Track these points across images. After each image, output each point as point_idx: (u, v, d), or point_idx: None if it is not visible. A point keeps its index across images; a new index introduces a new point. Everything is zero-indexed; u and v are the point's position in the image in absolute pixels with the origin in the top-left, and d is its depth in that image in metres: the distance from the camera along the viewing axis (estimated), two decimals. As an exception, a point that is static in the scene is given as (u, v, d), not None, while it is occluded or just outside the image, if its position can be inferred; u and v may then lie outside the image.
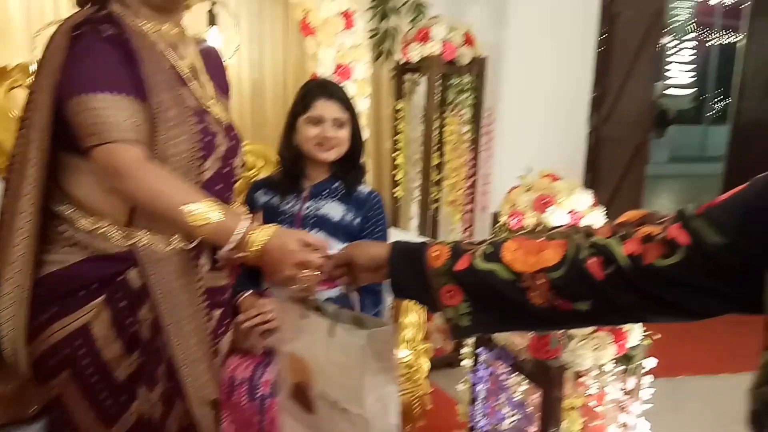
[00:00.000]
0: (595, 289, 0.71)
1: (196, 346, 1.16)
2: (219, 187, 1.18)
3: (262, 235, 1.02)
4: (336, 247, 1.61)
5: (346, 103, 1.63)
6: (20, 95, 1.76)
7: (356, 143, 1.66)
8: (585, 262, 0.71)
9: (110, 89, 1.02)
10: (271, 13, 2.69)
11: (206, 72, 1.23)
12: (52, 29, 1.09)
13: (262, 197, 1.70)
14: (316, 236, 1.14)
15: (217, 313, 1.26)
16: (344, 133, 1.62)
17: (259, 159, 2.08)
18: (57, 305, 1.12)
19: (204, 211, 1.02)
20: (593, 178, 3.48)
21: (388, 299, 1.82)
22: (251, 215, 1.24)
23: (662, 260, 0.67)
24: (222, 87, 1.28)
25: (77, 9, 1.12)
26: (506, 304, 0.78)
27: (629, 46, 3.38)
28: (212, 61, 1.28)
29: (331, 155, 1.61)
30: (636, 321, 0.87)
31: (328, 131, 1.58)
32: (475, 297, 0.80)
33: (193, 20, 2.33)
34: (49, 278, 1.11)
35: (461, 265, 0.80)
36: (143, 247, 1.11)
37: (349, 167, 1.66)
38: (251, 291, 1.63)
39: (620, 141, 3.52)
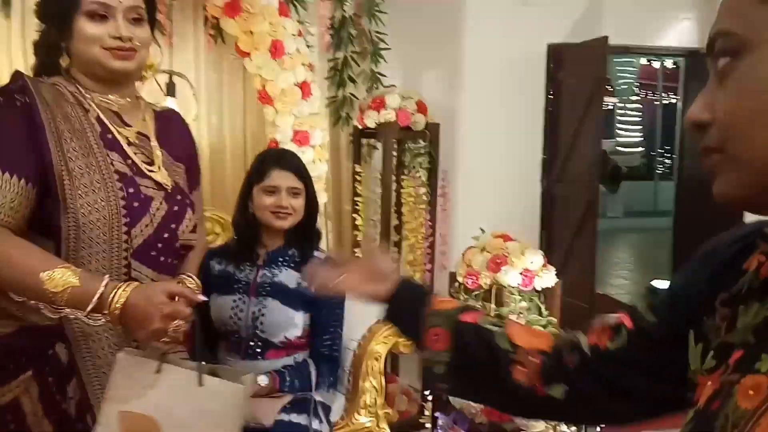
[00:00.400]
0: (568, 377, 0.75)
1: None
2: (154, 253, 1.19)
3: (123, 292, 1.04)
4: (294, 315, 1.61)
5: (300, 173, 1.67)
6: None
7: (311, 211, 1.70)
8: (563, 352, 0.75)
9: (2, 168, 1.07)
10: (230, 83, 2.76)
11: (157, 138, 1.26)
12: None
13: (216, 266, 1.70)
14: (179, 287, 1.15)
15: None
16: (299, 202, 1.65)
17: (216, 225, 2.09)
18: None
19: (62, 276, 1.02)
20: (548, 235, 3.57)
21: (346, 365, 1.82)
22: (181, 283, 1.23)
23: (612, 343, 0.72)
24: (177, 153, 1.30)
25: None
26: (488, 369, 0.78)
27: (575, 108, 3.56)
28: (171, 128, 1.32)
29: (286, 223, 1.63)
30: (603, 419, 0.89)
31: (283, 200, 1.62)
32: (461, 352, 0.80)
33: (152, 90, 2.39)
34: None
35: (469, 317, 0.82)
36: (73, 321, 1.11)
37: (304, 234, 1.69)
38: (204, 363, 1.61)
39: (572, 199, 3.64)
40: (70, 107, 1.16)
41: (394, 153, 2.79)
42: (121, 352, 1.10)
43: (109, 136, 1.18)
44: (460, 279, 2.30)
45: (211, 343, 1.68)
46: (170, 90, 2.43)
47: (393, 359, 2.90)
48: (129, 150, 1.20)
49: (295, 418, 1.54)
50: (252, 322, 1.61)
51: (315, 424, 1.55)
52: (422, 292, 0.89)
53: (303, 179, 1.67)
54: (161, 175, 1.22)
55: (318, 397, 1.61)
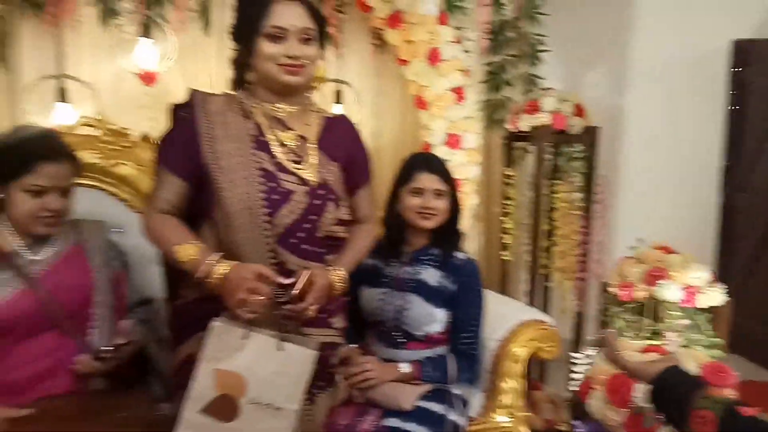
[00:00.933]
0: None
1: None
2: (296, 241, 1.37)
3: (224, 267, 1.28)
4: (434, 311, 1.69)
5: (445, 176, 1.74)
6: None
7: (454, 212, 1.75)
8: None
9: (167, 166, 1.38)
10: (390, 90, 2.91)
11: (318, 141, 1.43)
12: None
13: (368, 260, 1.83)
14: (266, 269, 1.30)
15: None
16: (443, 204, 1.72)
17: (373, 222, 2.23)
18: (180, 332, 1.41)
19: (187, 249, 1.31)
20: (726, 250, 3.25)
21: (486, 363, 1.85)
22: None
23: None
24: (334, 154, 1.46)
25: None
26: None
27: (765, 111, 3.20)
28: (335, 132, 1.49)
29: (431, 224, 1.71)
30: None
31: (428, 201, 1.70)
32: None
33: (322, 97, 2.63)
34: (177, 308, 1.45)
35: (747, 411, 0.80)
36: None
37: (447, 235, 1.75)
38: (355, 345, 1.76)
39: (757, 210, 3.27)
40: (232, 115, 1.39)
41: (548, 157, 2.74)
42: (216, 320, 1.30)
43: (262, 138, 1.39)
44: (612, 290, 2.21)
45: (359, 329, 1.82)
46: (338, 97, 2.65)
47: (540, 365, 2.85)
48: (278, 150, 1.38)
49: (433, 406, 1.61)
50: (396, 315, 1.71)
51: (452, 415, 1.61)
52: (694, 379, 0.88)
53: (447, 182, 1.73)
54: (307, 173, 1.39)
55: (456, 390, 1.67)
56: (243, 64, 1.39)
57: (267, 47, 1.33)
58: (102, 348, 1.42)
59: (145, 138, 2.06)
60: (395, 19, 2.48)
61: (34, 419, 1.32)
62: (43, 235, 1.47)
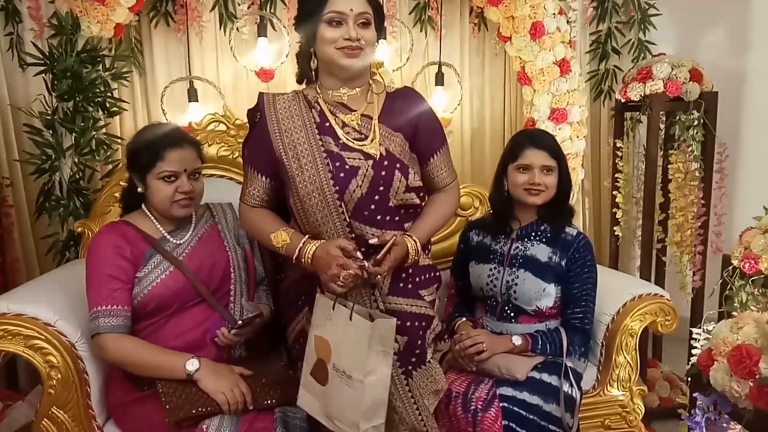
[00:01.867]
0: None
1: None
2: (368, 213, 1.46)
3: (313, 246, 1.41)
4: (545, 286, 1.72)
5: (553, 151, 1.74)
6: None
7: (564, 188, 1.76)
8: None
9: (251, 165, 1.54)
10: (491, 66, 2.92)
11: (380, 116, 1.50)
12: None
13: (475, 237, 1.89)
14: (349, 244, 1.40)
15: (403, 340, 1.48)
16: (552, 179, 1.73)
17: (475, 200, 2.29)
18: (288, 310, 1.58)
19: (280, 236, 1.46)
20: None
21: (599, 338, 1.86)
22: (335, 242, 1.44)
23: None
24: (396, 124, 1.51)
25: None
26: None
27: None
28: (397, 104, 1.54)
29: (539, 200, 1.73)
30: None
31: (536, 177, 1.72)
32: None
33: (422, 79, 2.69)
34: (284, 288, 1.61)
35: None
36: None
37: (556, 211, 1.76)
38: (465, 318, 1.83)
39: None
40: (297, 108, 1.50)
41: (662, 126, 2.63)
42: (319, 293, 1.45)
43: (327, 123, 1.48)
44: (735, 262, 2.11)
45: (469, 304, 1.89)
46: (439, 79, 2.70)
47: (656, 344, 2.78)
48: (340, 132, 1.48)
49: (546, 377, 1.65)
50: (506, 290, 1.75)
51: (566, 387, 1.64)
52: None
53: (556, 157, 1.74)
54: (371, 147, 1.46)
55: (569, 363, 1.69)
56: (305, 54, 1.49)
57: (327, 31, 1.41)
58: (237, 322, 1.60)
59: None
60: (496, -4, 2.48)
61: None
62: (182, 218, 1.67)
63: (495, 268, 1.79)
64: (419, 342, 1.51)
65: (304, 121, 1.48)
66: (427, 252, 1.61)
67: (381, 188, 1.45)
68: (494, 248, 1.81)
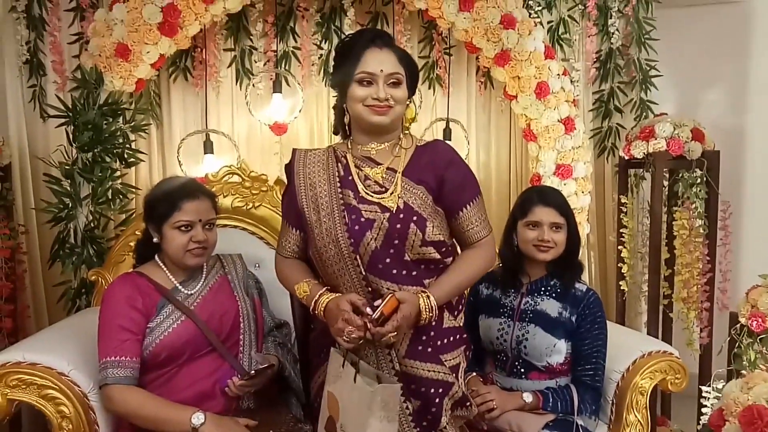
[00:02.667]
0: None
1: None
2: (382, 266, 1.44)
3: (326, 299, 1.44)
4: (556, 342, 1.72)
5: (562, 209, 1.78)
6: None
7: (573, 244, 1.79)
8: None
9: (285, 218, 1.60)
10: (497, 123, 3.00)
11: (404, 169, 1.50)
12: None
13: (485, 290, 1.91)
14: (357, 300, 1.40)
15: (416, 403, 1.45)
16: (561, 236, 1.77)
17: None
18: (314, 360, 1.58)
19: (302, 287, 1.50)
20: None
21: (609, 395, 1.85)
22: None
23: None
24: (420, 177, 1.49)
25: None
26: None
27: None
28: (424, 156, 1.53)
29: (549, 256, 1.76)
30: None
31: (545, 234, 1.75)
32: None
33: (430, 134, 2.76)
34: (312, 338, 1.61)
35: None
36: None
37: (566, 266, 1.79)
38: (475, 373, 1.83)
39: None
40: (325, 162, 1.54)
41: (665, 183, 2.69)
42: (333, 348, 1.46)
43: (350, 177, 1.51)
44: (742, 320, 2.12)
45: (479, 359, 1.89)
46: (446, 135, 2.77)
47: (664, 401, 2.75)
48: (361, 185, 1.50)
49: (557, 436, 1.64)
50: (516, 345, 1.76)
51: (577, 446, 1.63)
52: None
53: (564, 214, 1.77)
54: (390, 200, 1.47)
55: (580, 422, 1.68)
56: (340, 109, 1.56)
57: (357, 91, 1.46)
58: (248, 373, 1.60)
59: (279, 182, 2.29)
60: (503, 57, 2.58)
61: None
62: (194, 269, 1.71)
63: (505, 322, 1.80)
64: (434, 409, 1.46)
65: (329, 175, 1.51)
66: (455, 313, 1.56)
67: (396, 241, 1.44)
68: (504, 302, 1.83)
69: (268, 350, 1.76)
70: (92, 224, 2.35)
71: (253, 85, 2.68)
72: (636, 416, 1.82)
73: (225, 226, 2.17)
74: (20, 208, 2.54)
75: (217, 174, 2.27)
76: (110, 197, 2.36)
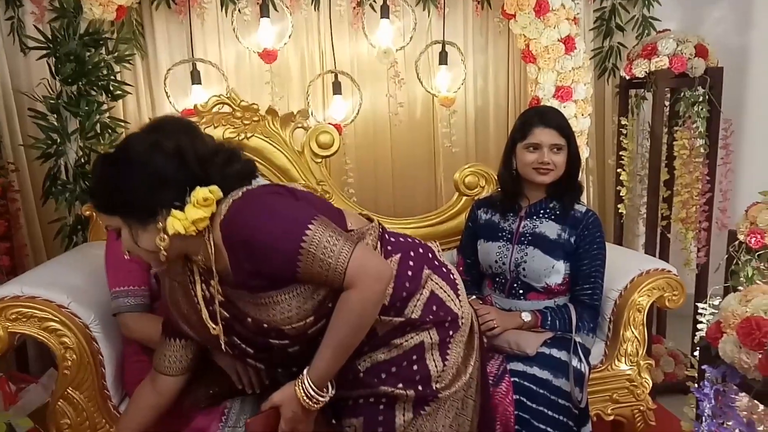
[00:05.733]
0: None
1: None
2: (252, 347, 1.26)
3: None
4: (554, 263, 1.72)
5: (563, 130, 1.73)
6: (300, 135, 2.25)
7: (573, 166, 1.76)
8: None
9: None
10: (495, 46, 2.90)
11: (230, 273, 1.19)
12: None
13: (483, 215, 1.89)
14: None
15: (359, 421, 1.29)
16: (561, 158, 1.73)
17: (481, 179, 2.29)
18: None
19: None
20: None
21: (607, 313, 1.87)
22: None
23: None
24: (238, 279, 1.19)
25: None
26: None
27: None
28: (233, 249, 1.17)
29: (548, 179, 1.73)
30: None
31: (545, 156, 1.71)
32: None
33: (425, 58, 2.67)
34: None
35: None
36: None
37: (565, 188, 1.76)
38: (474, 296, 1.84)
39: None
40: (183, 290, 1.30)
41: (666, 103, 2.62)
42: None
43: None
44: (741, 237, 2.12)
45: (478, 282, 1.90)
46: (442, 58, 2.68)
47: (660, 320, 2.80)
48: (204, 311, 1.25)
49: (555, 353, 1.67)
50: (515, 268, 1.76)
51: (574, 362, 1.66)
52: None
53: (565, 135, 1.73)
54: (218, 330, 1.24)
55: (578, 339, 1.71)
56: None
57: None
58: None
59: (271, 111, 2.23)
60: (500, -27, 2.46)
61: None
62: None
63: (504, 245, 1.80)
64: (380, 417, 1.28)
65: (189, 299, 1.31)
66: (395, 310, 1.28)
67: (260, 339, 1.25)
68: (503, 226, 1.82)
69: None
70: (83, 159, 2.30)
71: (239, 10, 2.56)
72: (633, 332, 1.86)
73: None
74: (8, 146, 2.48)
75: (207, 104, 2.19)
76: (99, 131, 2.29)
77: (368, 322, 1.21)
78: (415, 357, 1.29)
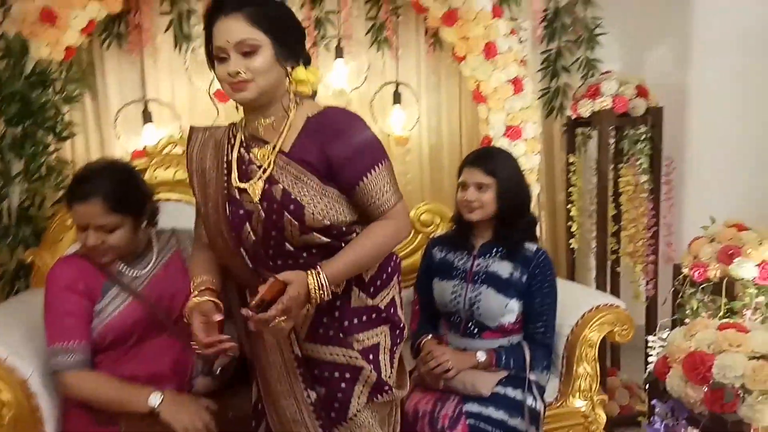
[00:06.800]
0: None
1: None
2: (266, 258, 1.34)
3: (191, 303, 1.35)
4: (508, 302, 1.74)
5: (488, 168, 1.76)
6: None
7: (504, 204, 1.76)
8: None
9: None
10: (447, 85, 2.97)
11: (288, 149, 1.31)
12: None
13: (438, 253, 1.91)
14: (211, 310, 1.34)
15: (320, 390, 1.37)
16: (486, 196, 1.75)
17: (435, 216, 2.31)
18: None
19: (194, 282, 1.39)
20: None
21: (559, 349, 1.90)
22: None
23: None
24: (307, 158, 1.31)
25: None
26: None
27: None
28: (313, 131, 1.32)
29: (474, 216, 1.76)
30: None
31: (467, 195, 1.76)
32: None
33: (380, 98, 2.71)
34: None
35: None
36: None
37: (509, 226, 1.78)
38: (431, 336, 1.84)
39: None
40: (215, 145, 1.38)
41: (611, 141, 2.73)
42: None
43: (229, 160, 1.35)
44: (685, 271, 2.19)
45: (433, 321, 1.91)
46: (396, 98, 2.73)
47: (614, 353, 2.85)
48: (235, 171, 1.35)
49: (510, 392, 1.67)
50: (469, 307, 1.77)
51: (529, 401, 1.67)
52: None
53: (492, 174, 1.75)
54: (255, 187, 1.31)
55: (532, 377, 1.72)
56: None
57: (217, 69, 1.29)
58: (214, 371, 1.56)
59: (224, 152, 2.21)
60: (450, 17, 2.54)
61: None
62: (144, 247, 1.65)
63: (458, 284, 1.81)
64: (339, 395, 1.35)
65: (217, 160, 1.36)
66: (372, 290, 1.40)
67: (273, 233, 1.31)
68: (457, 264, 1.84)
69: (229, 332, 1.71)
70: (27, 202, 2.23)
71: (193, 50, 2.57)
72: (586, 368, 1.88)
73: (168, 200, 2.09)
74: (-52, 188, 2.38)
75: (156, 146, 2.17)
76: (44, 173, 2.24)
77: (386, 251, 1.39)
78: (371, 356, 1.39)
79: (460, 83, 2.94)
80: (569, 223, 2.80)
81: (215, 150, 1.38)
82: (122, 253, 1.60)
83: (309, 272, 1.27)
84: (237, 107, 1.39)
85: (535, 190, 2.75)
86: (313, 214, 1.29)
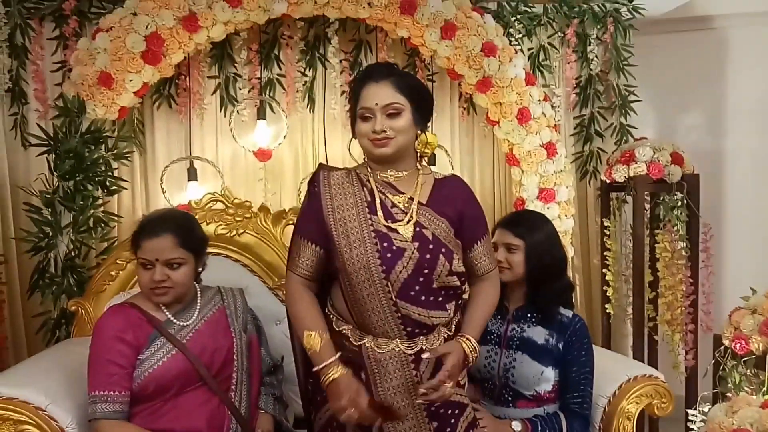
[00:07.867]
0: None
1: None
2: (414, 293, 1.47)
3: (336, 372, 1.42)
4: (543, 370, 1.71)
5: (517, 231, 1.78)
6: (291, 231, 2.29)
7: (533, 266, 1.76)
8: None
9: (304, 234, 1.54)
10: (480, 147, 3.02)
11: (428, 200, 1.54)
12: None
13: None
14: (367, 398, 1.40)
15: (433, 425, 1.47)
16: (515, 258, 1.76)
17: (470, 279, 2.31)
18: (318, 395, 1.53)
19: (313, 339, 1.44)
20: None
21: (596, 421, 1.84)
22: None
23: None
24: (443, 209, 1.54)
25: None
26: None
27: None
28: (444, 190, 1.58)
29: (505, 277, 1.75)
30: None
31: (498, 255, 1.77)
32: None
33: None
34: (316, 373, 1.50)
35: None
36: (368, 348, 1.48)
37: (542, 291, 1.76)
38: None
39: None
40: (350, 185, 1.55)
41: (647, 206, 2.72)
42: None
43: (376, 203, 1.53)
44: (726, 342, 2.14)
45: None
46: (431, 160, 2.79)
47: (651, 424, 2.74)
48: (386, 212, 1.51)
49: (546, 464, 1.62)
50: (504, 373, 1.75)
51: (565, 473, 1.61)
52: None
53: (521, 236, 1.76)
54: (405, 229, 1.50)
55: (568, 449, 1.67)
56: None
57: (360, 126, 1.50)
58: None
59: (263, 208, 2.28)
60: (484, 84, 2.61)
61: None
62: (190, 300, 1.69)
63: (492, 349, 1.79)
64: (448, 429, 1.51)
65: (355, 198, 1.53)
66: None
67: (425, 271, 1.48)
68: (491, 329, 1.82)
69: (266, 405, 1.75)
70: (73, 253, 2.32)
71: (238, 111, 2.69)
72: (623, 440, 1.82)
73: (209, 253, 2.14)
74: (0, 238, 2.50)
75: (201, 201, 2.25)
76: (91, 225, 2.33)
77: (495, 307, 1.65)
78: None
79: (494, 146, 2.99)
80: (605, 287, 2.76)
81: (352, 190, 1.55)
82: (178, 295, 1.65)
83: (460, 340, 1.50)
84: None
85: (570, 253, 2.74)
86: (457, 259, 1.52)
